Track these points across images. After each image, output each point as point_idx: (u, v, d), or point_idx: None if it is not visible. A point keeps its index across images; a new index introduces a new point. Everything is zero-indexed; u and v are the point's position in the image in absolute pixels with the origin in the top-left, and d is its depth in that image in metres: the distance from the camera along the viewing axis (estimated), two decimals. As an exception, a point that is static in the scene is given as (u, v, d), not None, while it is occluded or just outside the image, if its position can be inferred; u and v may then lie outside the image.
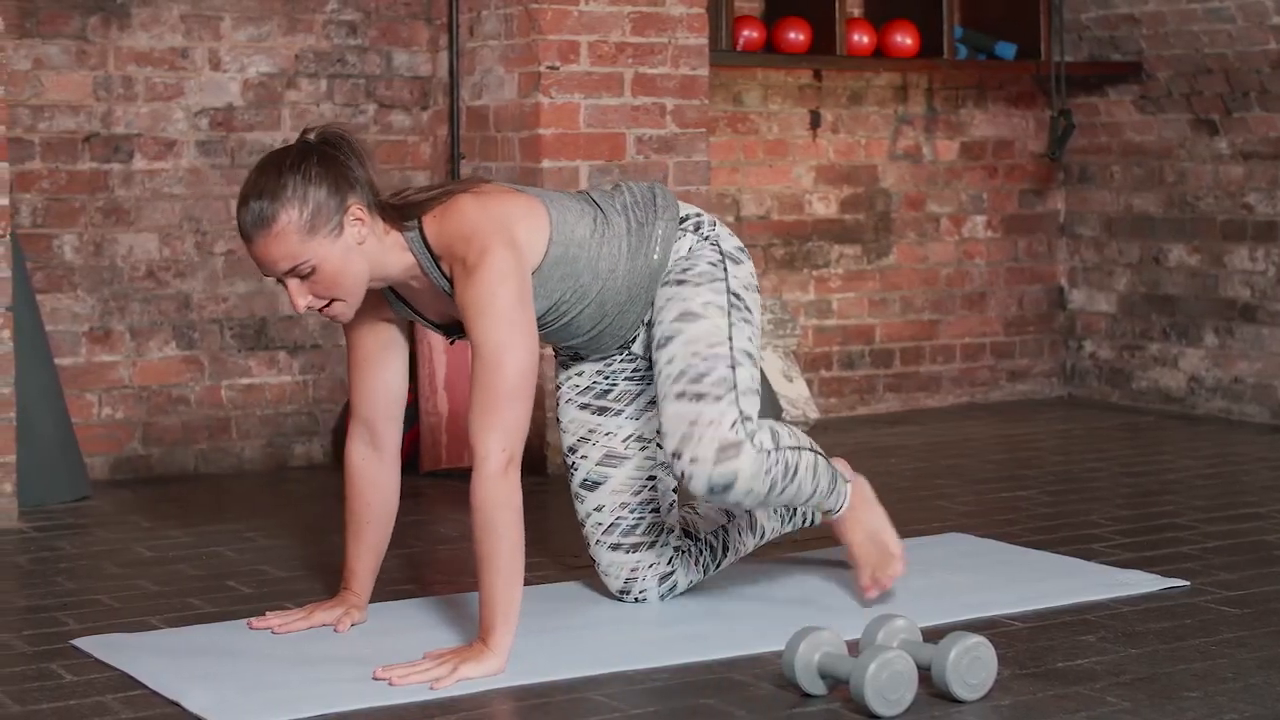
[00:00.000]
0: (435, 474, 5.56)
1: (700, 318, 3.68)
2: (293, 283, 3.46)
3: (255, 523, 4.89)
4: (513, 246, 3.50)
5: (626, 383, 3.93)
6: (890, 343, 6.93)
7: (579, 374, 3.96)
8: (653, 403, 3.91)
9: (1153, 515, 4.88)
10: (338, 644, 3.60)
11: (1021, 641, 3.61)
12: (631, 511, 3.91)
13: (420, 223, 3.55)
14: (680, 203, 3.85)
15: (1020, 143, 7.16)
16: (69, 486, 5.19)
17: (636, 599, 3.96)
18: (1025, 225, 7.20)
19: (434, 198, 3.56)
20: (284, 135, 5.72)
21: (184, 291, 5.62)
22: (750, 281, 3.80)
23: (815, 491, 3.77)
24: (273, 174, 3.44)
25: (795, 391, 6.36)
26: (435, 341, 5.58)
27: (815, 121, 6.74)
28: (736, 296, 3.74)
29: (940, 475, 5.52)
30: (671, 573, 3.95)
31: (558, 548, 4.56)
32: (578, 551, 4.49)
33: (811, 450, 3.76)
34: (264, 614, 3.81)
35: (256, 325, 5.73)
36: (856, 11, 6.79)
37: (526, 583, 4.14)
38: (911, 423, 6.61)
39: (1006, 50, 6.79)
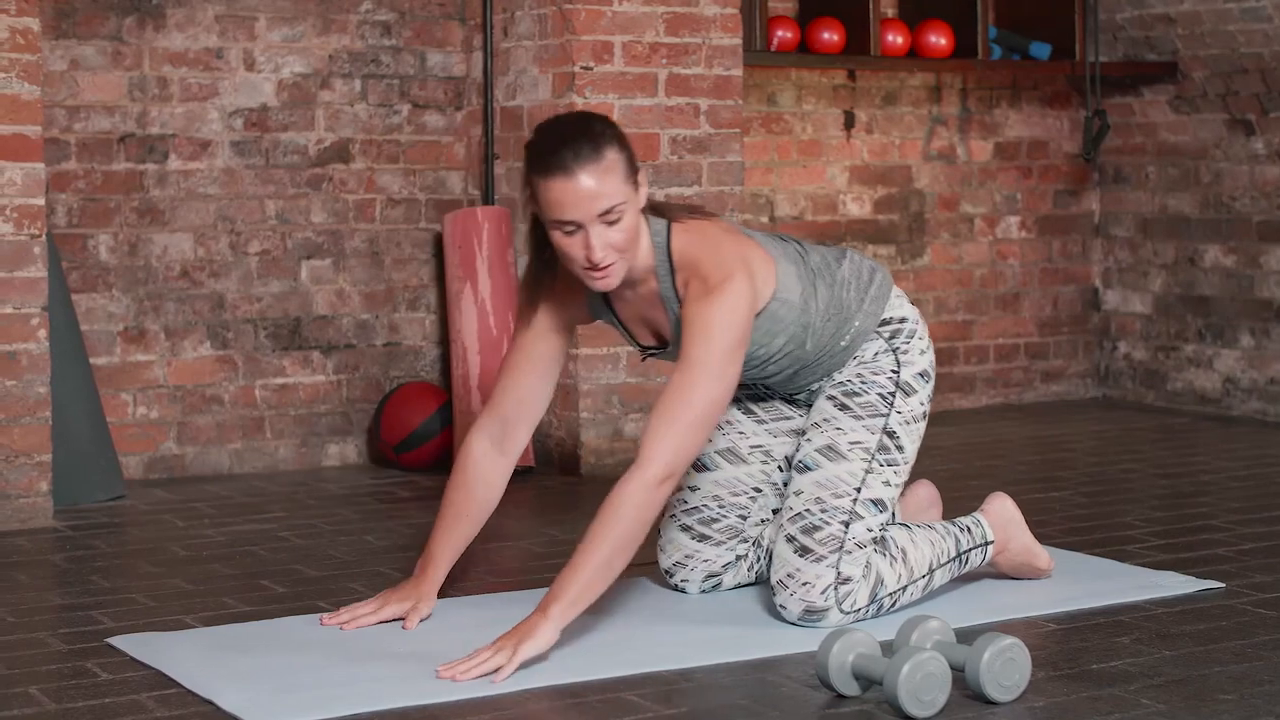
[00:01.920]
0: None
1: (842, 459, 3.76)
2: (597, 229, 3.46)
3: (289, 522, 4.90)
4: (752, 285, 3.58)
5: (782, 402, 4.01)
6: (924, 343, 6.91)
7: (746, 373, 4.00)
8: (796, 431, 3.97)
9: (1188, 517, 4.87)
10: (373, 643, 3.60)
11: (1055, 643, 3.60)
12: (721, 506, 3.96)
13: (669, 230, 3.62)
14: (893, 296, 3.89)
15: (1055, 143, 7.14)
16: (104, 486, 5.20)
17: (678, 585, 3.99)
18: (1060, 226, 7.18)
19: (686, 209, 3.65)
20: (318, 135, 5.74)
21: (218, 291, 5.63)
22: (919, 412, 3.86)
23: (929, 596, 3.91)
24: (580, 119, 3.52)
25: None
26: (469, 342, 5.58)
27: (849, 122, 6.73)
28: (891, 435, 3.81)
29: (974, 476, 5.51)
30: (720, 574, 3.99)
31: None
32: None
33: (927, 574, 3.83)
34: (336, 609, 3.80)
35: (290, 325, 5.74)
36: (891, 12, 6.78)
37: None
38: (946, 423, 6.60)
39: (1041, 50, 6.77)
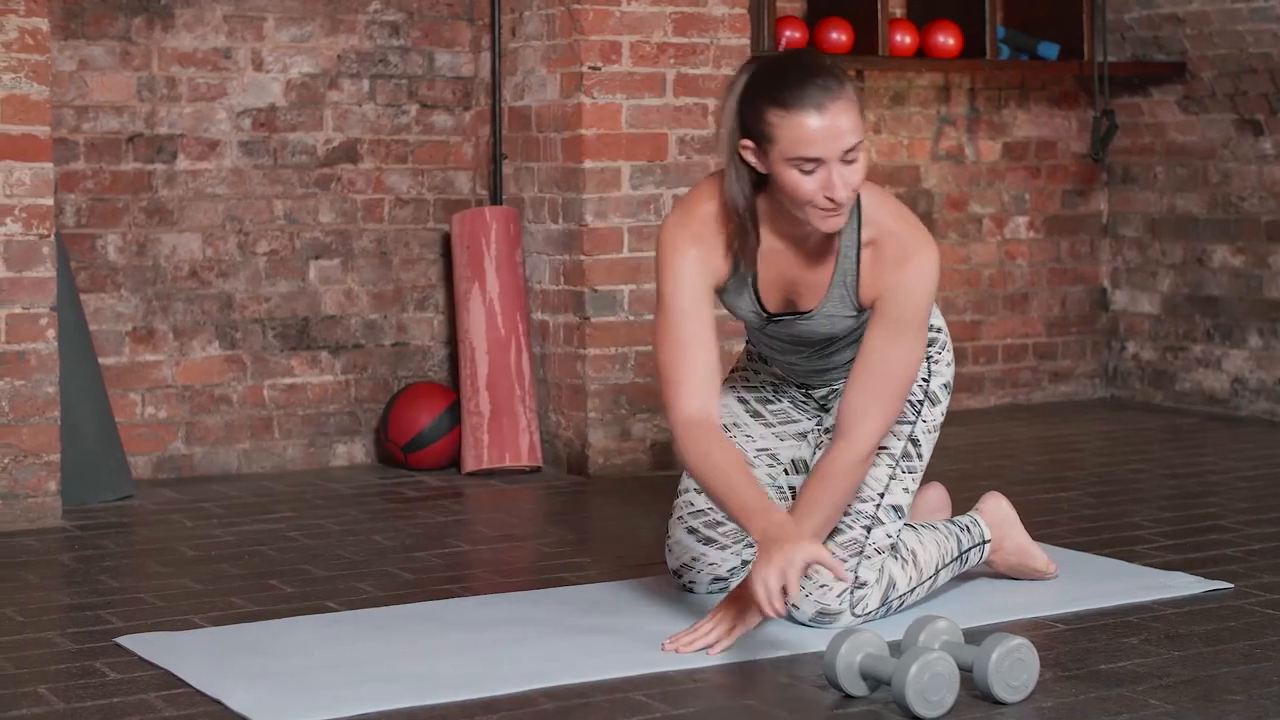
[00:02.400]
0: (475, 474, 5.57)
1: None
2: (837, 167, 3.41)
3: (297, 522, 4.90)
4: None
5: (790, 405, 3.99)
6: (932, 343, 6.91)
7: (755, 372, 4.00)
8: (803, 435, 3.98)
9: (1196, 517, 4.86)
10: (379, 643, 3.60)
11: (1063, 643, 3.60)
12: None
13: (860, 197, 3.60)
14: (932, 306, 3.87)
15: (1063, 143, 7.14)
16: (112, 485, 5.21)
17: (686, 585, 4.00)
18: (1068, 226, 7.18)
19: (881, 194, 3.64)
20: (326, 135, 5.74)
21: (226, 291, 5.64)
22: (939, 422, 3.88)
23: (936, 592, 3.93)
24: (813, 56, 3.48)
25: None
26: (477, 342, 5.58)
27: (857, 122, 6.72)
28: (914, 443, 3.82)
29: (982, 476, 5.51)
30: (727, 578, 3.98)
31: (600, 549, 4.56)
32: (622, 552, 4.49)
33: (933, 574, 3.85)
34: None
35: (298, 325, 5.75)
36: (899, 12, 6.78)
37: (568, 582, 4.15)
38: (954, 424, 6.59)
39: (1049, 50, 6.77)
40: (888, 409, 3.58)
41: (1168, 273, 7.01)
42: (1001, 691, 3.18)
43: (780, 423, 3.98)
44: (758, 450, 3.96)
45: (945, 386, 3.87)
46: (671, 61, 5.65)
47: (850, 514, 3.72)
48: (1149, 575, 4.14)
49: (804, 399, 3.99)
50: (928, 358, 3.84)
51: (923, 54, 6.53)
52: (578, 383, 5.59)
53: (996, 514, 4.02)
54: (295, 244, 5.73)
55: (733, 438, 3.97)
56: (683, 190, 5.65)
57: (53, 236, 4.91)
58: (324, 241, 5.77)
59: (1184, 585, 4.03)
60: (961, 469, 5.64)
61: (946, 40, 6.52)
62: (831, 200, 3.42)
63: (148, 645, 3.60)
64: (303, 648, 3.58)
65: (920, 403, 3.82)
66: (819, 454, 3.81)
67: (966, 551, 3.93)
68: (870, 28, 6.34)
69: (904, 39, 6.46)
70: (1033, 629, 3.71)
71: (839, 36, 6.34)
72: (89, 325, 5.37)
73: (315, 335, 5.77)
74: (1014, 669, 3.19)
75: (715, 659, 3.48)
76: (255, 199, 5.67)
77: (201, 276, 5.61)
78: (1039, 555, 4.07)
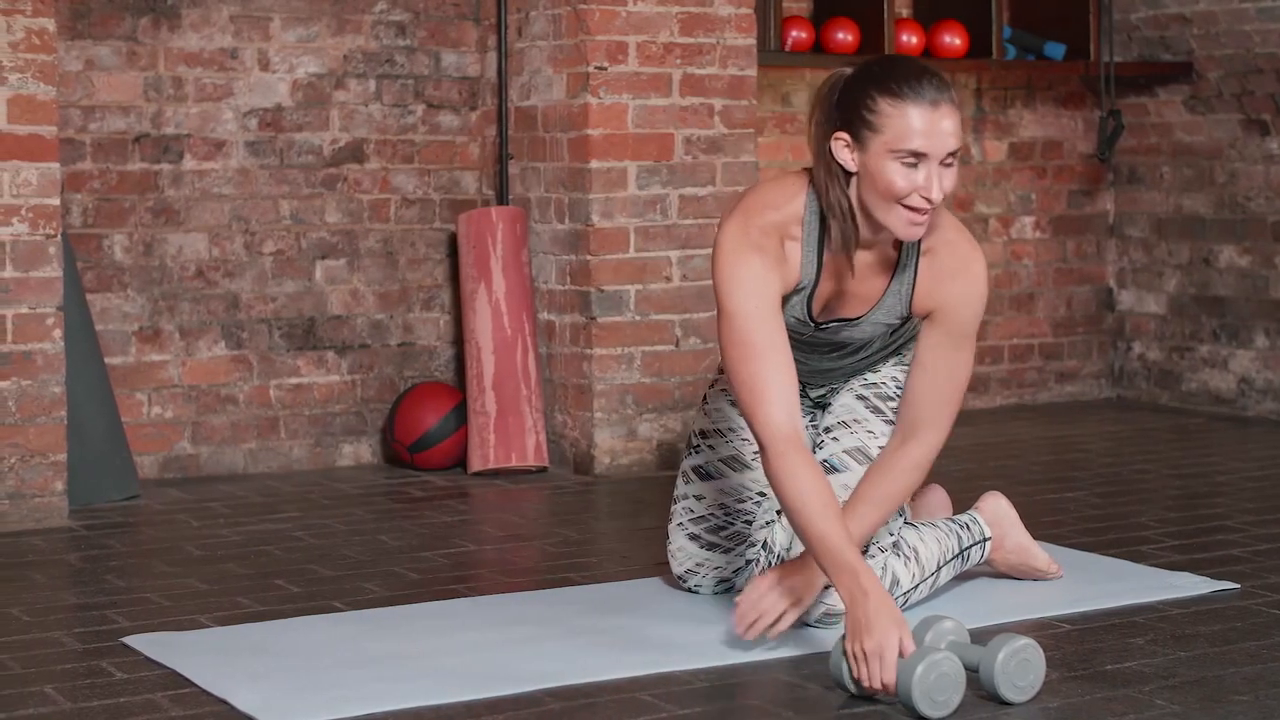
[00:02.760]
0: (482, 474, 5.57)
1: (869, 462, 3.75)
2: (936, 169, 3.39)
3: (303, 522, 4.90)
4: None
5: None
6: (938, 344, 6.90)
7: None
8: (831, 435, 3.93)
9: (1202, 518, 4.86)
10: (385, 643, 3.60)
11: (1070, 644, 3.60)
12: (726, 514, 3.95)
13: None
14: None
15: (1069, 143, 7.13)
16: (119, 485, 5.21)
17: (691, 589, 4.00)
18: (1074, 226, 7.18)
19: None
20: (332, 135, 5.74)
21: (233, 291, 5.64)
22: None
23: (938, 590, 3.92)
24: (924, 63, 3.48)
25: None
26: (484, 342, 5.58)
27: (863, 122, 6.71)
28: None
29: (988, 476, 5.50)
30: (731, 579, 3.98)
31: (606, 549, 4.56)
32: (627, 552, 4.49)
33: (935, 571, 3.85)
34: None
35: (305, 325, 5.75)
36: (905, 12, 6.78)
37: (574, 582, 4.15)
38: (959, 424, 6.55)
39: (1055, 50, 6.76)
40: (951, 416, 3.65)
41: (1174, 273, 7.00)
42: (1007, 692, 3.18)
43: None
44: (755, 453, 3.93)
45: None
46: (678, 61, 5.65)
47: None
48: (1155, 576, 4.14)
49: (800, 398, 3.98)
50: None
51: (929, 54, 6.53)
52: (584, 383, 5.59)
53: (995, 512, 4.02)
54: (301, 244, 5.73)
55: (729, 442, 3.95)
56: (688, 190, 5.65)
57: (59, 236, 4.91)
58: (330, 241, 5.77)
59: (1190, 586, 4.03)
60: (967, 469, 5.63)
61: (953, 40, 6.52)
62: (927, 200, 3.38)
63: (154, 645, 3.60)
64: (309, 647, 3.58)
65: None
66: (820, 453, 3.80)
67: (967, 549, 3.93)
68: (876, 28, 6.34)
69: (910, 39, 6.46)
70: (1039, 629, 3.70)
71: (845, 36, 6.34)
72: (95, 325, 5.37)
73: (321, 335, 5.77)
74: (1020, 669, 3.19)
75: (719, 660, 3.48)
76: (261, 199, 5.68)
77: (208, 276, 5.61)
78: (1040, 555, 4.07)
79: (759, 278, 3.48)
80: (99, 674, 3.43)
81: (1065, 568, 4.16)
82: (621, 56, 5.57)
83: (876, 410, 3.80)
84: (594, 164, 5.54)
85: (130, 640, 3.64)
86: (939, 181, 3.38)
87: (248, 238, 5.66)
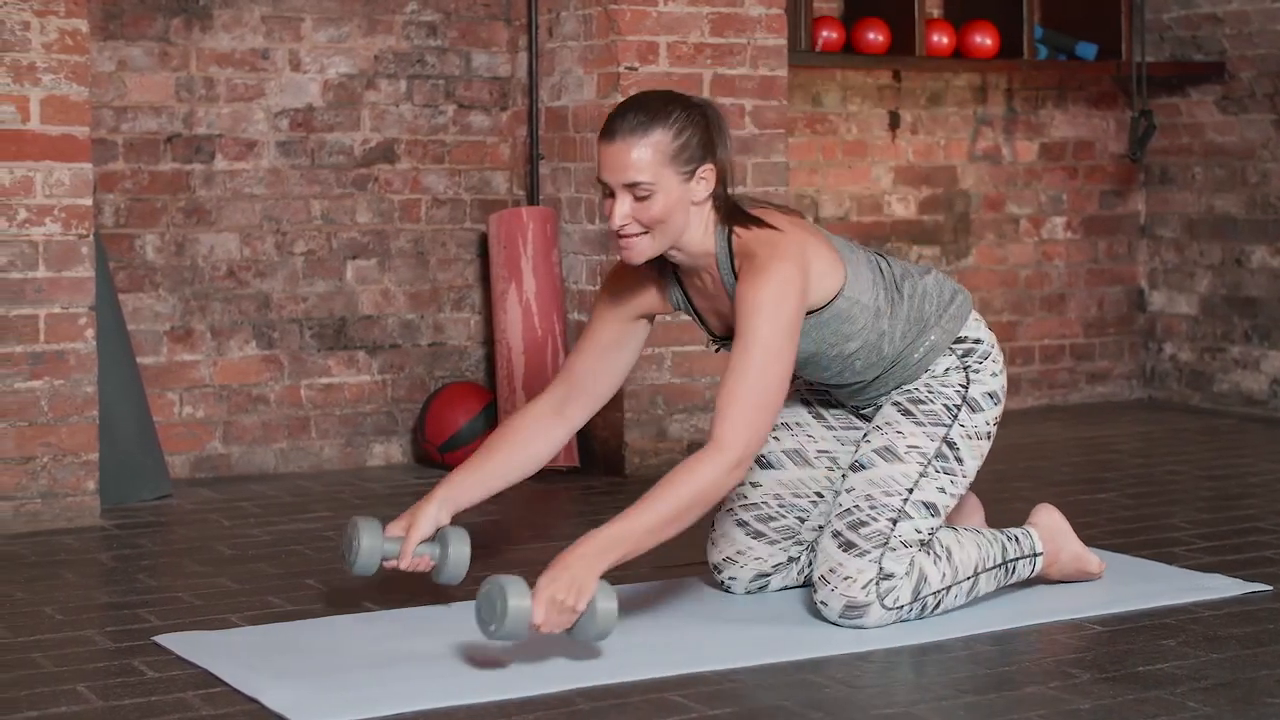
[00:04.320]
0: (513, 474, 5.57)
1: (898, 460, 3.76)
2: (624, 198, 3.53)
3: (334, 522, 4.91)
4: (804, 271, 3.59)
5: (851, 413, 4.01)
6: (969, 344, 6.89)
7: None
8: (865, 438, 3.95)
9: (1234, 519, 4.84)
10: (417, 643, 3.61)
11: (1102, 645, 3.59)
12: (781, 506, 3.97)
13: (732, 228, 3.64)
14: (971, 318, 3.89)
15: (1100, 144, 7.12)
16: (150, 485, 5.23)
17: (724, 582, 4.00)
18: (1105, 226, 7.16)
19: (760, 221, 3.63)
20: (363, 136, 5.75)
21: (264, 291, 5.65)
22: (984, 430, 3.86)
23: (974, 601, 3.88)
24: (662, 99, 3.58)
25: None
26: (514, 343, 5.59)
27: (894, 122, 6.72)
28: (950, 445, 3.80)
29: (1019, 477, 5.49)
30: (769, 575, 3.99)
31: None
32: (659, 552, 4.48)
33: (971, 576, 3.83)
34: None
35: (335, 325, 5.76)
36: (936, 12, 6.77)
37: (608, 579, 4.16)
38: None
39: (1087, 50, 6.75)
40: (753, 417, 3.50)
41: (1205, 273, 6.98)
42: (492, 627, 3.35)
43: (843, 427, 4.00)
44: (818, 452, 3.98)
45: (990, 396, 3.85)
46: (708, 62, 5.65)
47: (876, 506, 3.72)
48: (1187, 577, 4.13)
49: (858, 408, 4.01)
50: (966, 367, 3.84)
51: (960, 54, 6.52)
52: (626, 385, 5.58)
53: (1049, 527, 4.01)
54: (332, 244, 5.74)
55: (794, 436, 3.99)
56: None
57: (91, 236, 4.93)
58: (361, 241, 5.78)
59: (1222, 587, 4.02)
60: (998, 470, 5.62)
61: (984, 40, 6.51)
62: (611, 226, 3.55)
63: (185, 644, 3.61)
64: (340, 647, 3.59)
65: (957, 406, 3.81)
66: (855, 456, 3.81)
67: (1013, 561, 3.90)
68: (907, 28, 6.34)
69: (941, 39, 6.45)
70: (1071, 631, 3.70)
71: (876, 37, 6.33)
72: (127, 325, 5.39)
73: (352, 335, 5.78)
74: (487, 608, 3.34)
75: (749, 661, 3.48)
76: (293, 199, 5.69)
77: (239, 276, 5.62)
78: (1092, 559, 4.07)
79: (629, 293, 3.82)
80: (130, 673, 3.44)
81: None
82: (652, 57, 5.57)
83: (907, 413, 3.81)
84: (624, 164, 5.53)
85: (161, 639, 3.65)
86: (621, 210, 3.54)
87: (279, 238, 5.67)
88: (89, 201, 4.91)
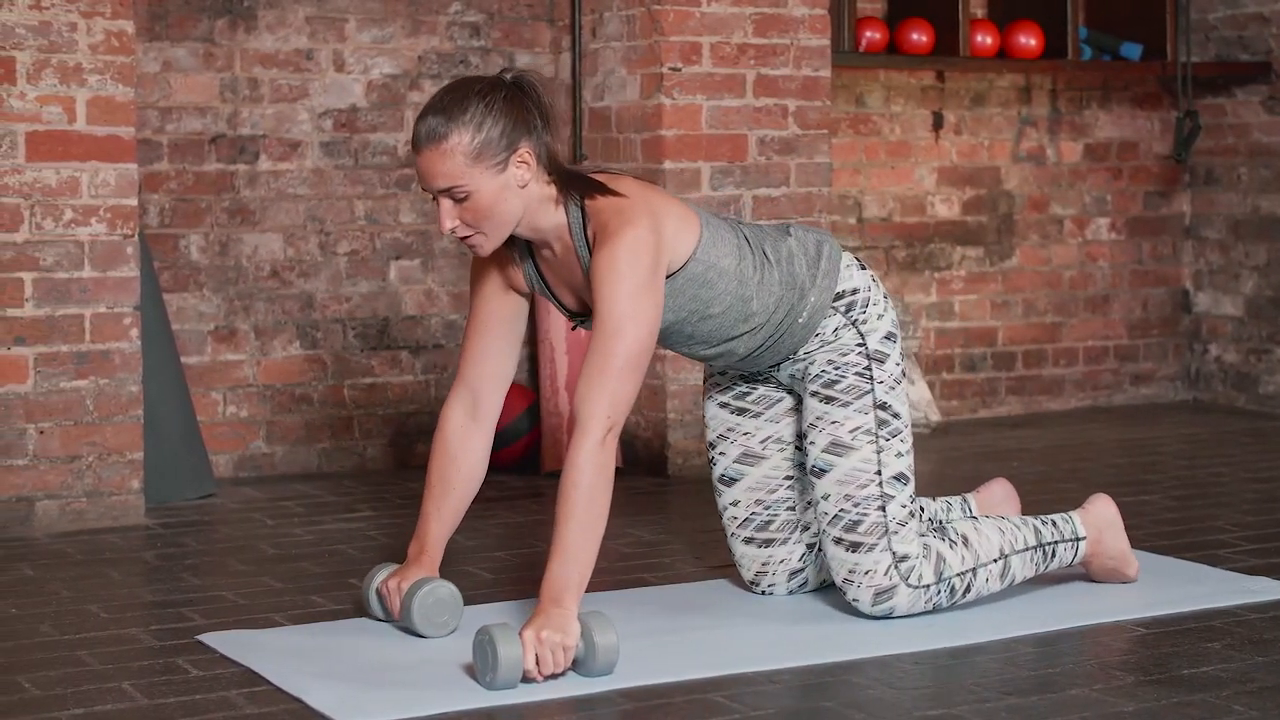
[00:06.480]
0: (556, 474, 5.57)
1: (850, 450, 3.75)
2: (445, 203, 3.51)
3: (378, 521, 4.92)
4: (656, 232, 3.54)
5: (765, 388, 3.98)
6: (1012, 345, 6.88)
7: (722, 373, 4.00)
8: (793, 409, 3.95)
9: (1280, 521, 4.83)
10: (460, 643, 3.61)
11: (1146, 648, 3.58)
12: (766, 509, 3.96)
13: (583, 197, 3.60)
14: (843, 266, 3.82)
15: (1145, 144, 7.09)
16: (195, 484, 5.25)
17: (764, 591, 4.00)
18: (1150, 227, 7.13)
19: (605, 188, 3.58)
20: (407, 136, 5.76)
21: (307, 291, 5.67)
22: (896, 372, 3.81)
23: (1012, 584, 3.89)
24: (458, 95, 3.51)
25: (917, 394, 6.34)
26: (557, 342, 5.59)
27: (938, 123, 6.70)
28: (883, 407, 3.78)
29: (1062, 479, 5.48)
30: (802, 569, 3.99)
31: (680, 549, 4.56)
32: (701, 553, 4.49)
33: (999, 558, 3.82)
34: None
35: (379, 325, 5.77)
36: (980, 12, 6.75)
37: (648, 583, 4.16)
38: (1033, 426, 6.56)
39: (1132, 51, 6.73)
40: (613, 386, 3.45)
41: (1251, 274, 6.95)
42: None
43: (766, 407, 3.96)
44: (761, 442, 3.96)
45: (887, 338, 3.80)
46: (752, 62, 5.64)
47: (859, 503, 3.71)
48: (1232, 579, 4.11)
49: (766, 380, 3.97)
50: (853, 322, 3.79)
51: (1004, 55, 6.50)
52: (657, 383, 5.59)
53: (1100, 516, 4.00)
54: (376, 244, 5.76)
55: (733, 443, 3.98)
56: (762, 191, 5.65)
57: (136, 236, 4.95)
58: (404, 242, 5.80)
59: (1268, 590, 4.00)
60: (1042, 471, 5.61)
61: (1028, 41, 6.49)
62: (446, 233, 3.54)
63: (229, 643, 3.62)
64: (383, 646, 3.60)
65: (867, 369, 3.77)
66: (807, 460, 3.81)
67: (1051, 544, 3.90)
68: (951, 28, 6.32)
69: (985, 39, 6.44)
70: (1114, 633, 3.69)
71: (920, 37, 6.32)
72: (172, 324, 5.41)
73: (395, 335, 5.80)
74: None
75: (792, 661, 3.47)
76: (336, 199, 5.70)
77: (283, 276, 5.64)
78: (1133, 562, 4.05)
79: (496, 270, 3.78)
80: (175, 671, 3.45)
81: (1141, 571, 4.13)
82: (695, 57, 5.57)
83: (830, 399, 3.77)
84: (668, 165, 5.54)
85: (206, 638, 3.67)
86: (447, 214, 3.52)
87: (322, 238, 5.69)
88: (134, 202, 4.93)
